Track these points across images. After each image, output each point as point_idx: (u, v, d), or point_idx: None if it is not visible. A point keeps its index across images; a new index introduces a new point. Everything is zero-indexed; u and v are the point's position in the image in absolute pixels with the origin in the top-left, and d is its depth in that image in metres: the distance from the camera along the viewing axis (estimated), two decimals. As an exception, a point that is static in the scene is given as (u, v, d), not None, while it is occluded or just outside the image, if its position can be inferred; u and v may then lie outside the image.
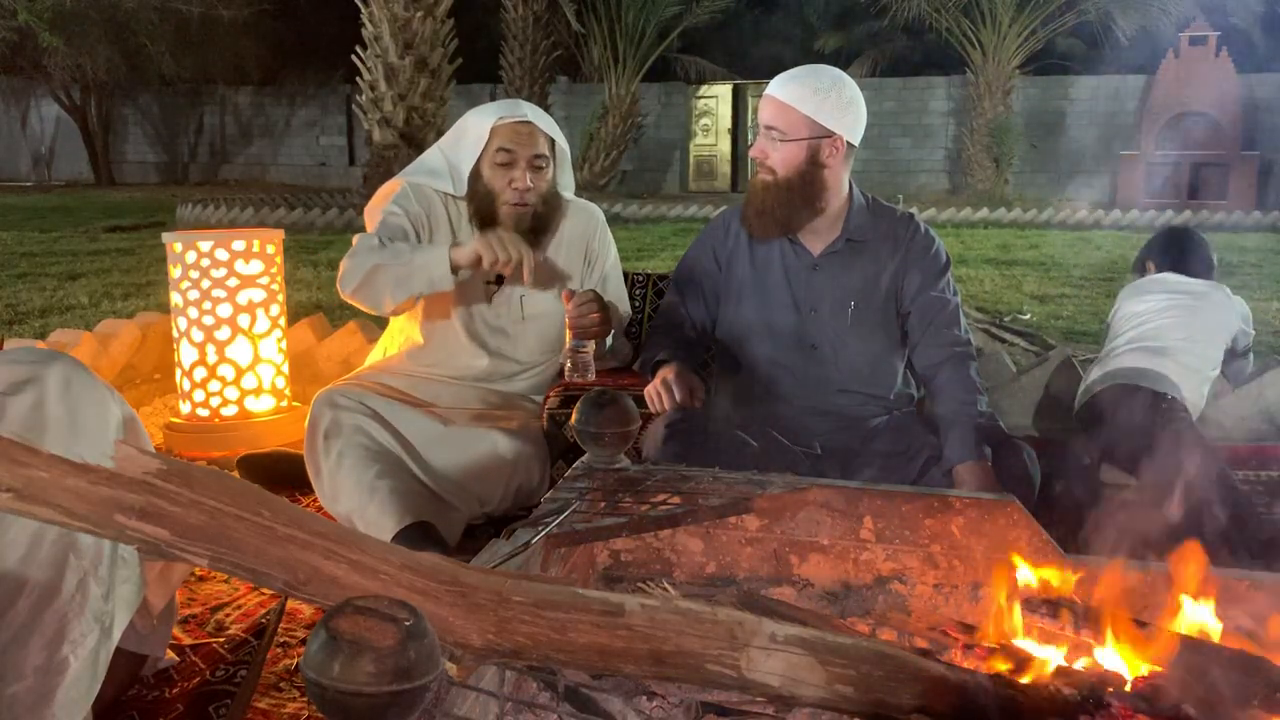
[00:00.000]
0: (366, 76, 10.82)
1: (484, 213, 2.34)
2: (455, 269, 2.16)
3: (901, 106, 15.79)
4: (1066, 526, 1.87)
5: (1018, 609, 1.30)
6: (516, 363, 2.47)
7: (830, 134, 2.08)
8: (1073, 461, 2.63)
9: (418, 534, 2.10)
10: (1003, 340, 4.40)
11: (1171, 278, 3.05)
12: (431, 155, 2.46)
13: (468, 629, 0.91)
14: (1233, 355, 3.05)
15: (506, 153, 2.29)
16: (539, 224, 2.36)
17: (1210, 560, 1.30)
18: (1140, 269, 3.23)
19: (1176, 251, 3.14)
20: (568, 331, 2.17)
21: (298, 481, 2.54)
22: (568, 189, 2.53)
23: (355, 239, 2.29)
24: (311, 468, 2.25)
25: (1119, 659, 1.19)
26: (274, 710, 1.60)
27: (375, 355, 2.60)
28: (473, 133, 2.35)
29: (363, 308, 2.32)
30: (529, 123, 2.31)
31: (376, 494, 2.13)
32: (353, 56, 10.98)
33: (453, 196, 2.40)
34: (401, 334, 2.50)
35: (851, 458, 2.14)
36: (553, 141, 2.37)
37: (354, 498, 2.15)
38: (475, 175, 2.34)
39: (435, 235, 2.38)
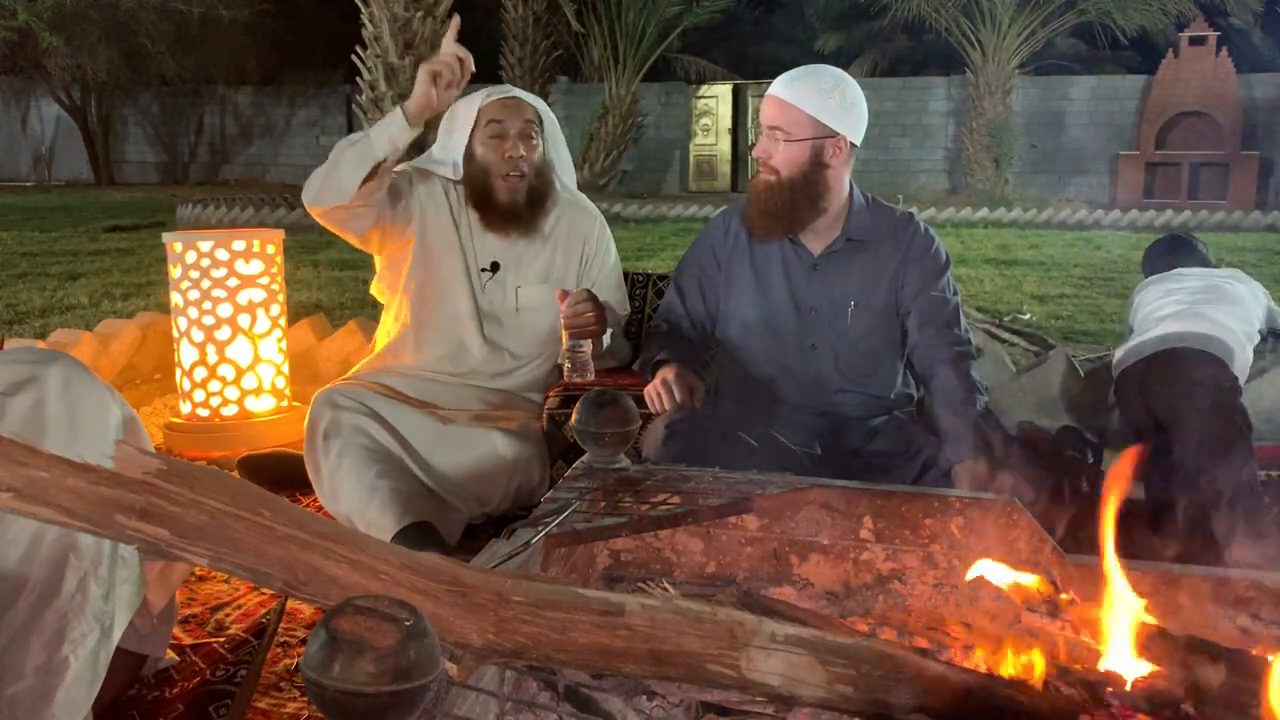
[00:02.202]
0: (366, 76, 10.82)
1: (480, 189, 2.38)
2: (413, 119, 2.16)
3: (901, 106, 15.78)
4: (1067, 526, 1.86)
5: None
6: (511, 355, 2.47)
7: (834, 134, 2.08)
8: (1072, 458, 2.61)
9: (417, 534, 2.10)
10: (1003, 340, 4.39)
11: (1187, 269, 3.08)
12: (430, 149, 2.52)
13: (468, 629, 0.91)
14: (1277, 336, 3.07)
15: (497, 124, 2.34)
16: (534, 196, 2.40)
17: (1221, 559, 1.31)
18: (1149, 273, 3.25)
19: (1182, 252, 3.22)
20: (564, 331, 2.18)
21: (298, 482, 2.53)
22: (567, 173, 2.55)
23: None
24: (311, 467, 2.26)
25: (1119, 659, 1.19)
26: (274, 710, 1.60)
27: (375, 346, 2.61)
28: (462, 115, 2.40)
29: (330, 217, 2.27)
30: (515, 97, 2.39)
31: (377, 494, 2.13)
32: (353, 56, 10.97)
33: (453, 181, 2.45)
34: (398, 320, 2.50)
35: (851, 458, 2.14)
36: (541, 118, 2.42)
37: (354, 497, 2.15)
38: (469, 157, 2.39)
39: (430, 212, 2.42)
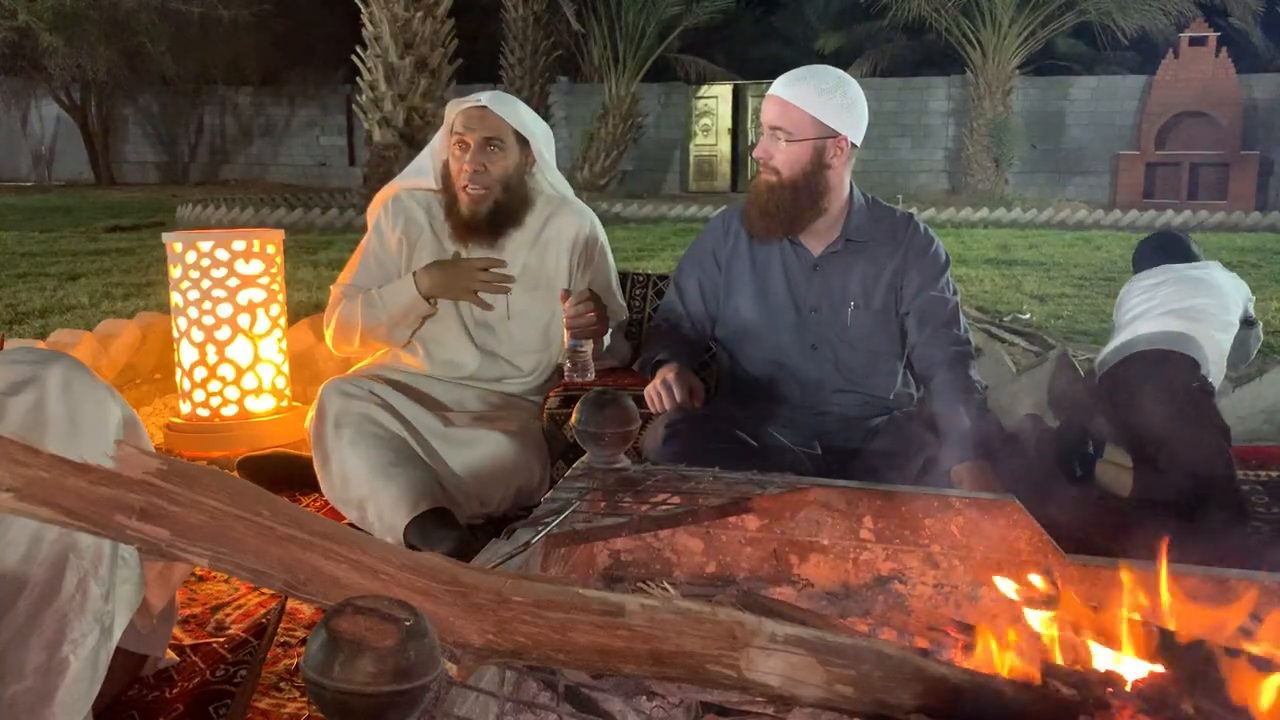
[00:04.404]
0: (366, 76, 10.82)
1: (449, 203, 2.39)
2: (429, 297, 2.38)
3: (901, 106, 15.78)
4: (1067, 525, 1.87)
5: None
6: (506, 362, 2.47)
7: (835, 134, 2.08)
8: (1073, 452, 2.62)
9: (435, 520, 2.10)
10: (1003, 340, 4.39)
11: (1170, 265, 3.10)
12: (423, 153, 2.53)
13: (468, 629, 0.91)
14: (1246, 325, 3.05)
15: (459, 135, 2.33)
16: (500, 211, 2.37)
17: (1211, 559, 1.31)
18: (1137, 270, 3.27)
19: (1166, 248, 3.22)
20: (565, 331, 2.18)
21: (298, 482, 2.54)
22: (557, 182, 2.54)
23: (333, 293, 2.49)
24: (319, 455, 2.25)
25: (1119, 659, 1.19)
26: (274, 710, 1.60)
27: (373, 355, 2.61)
28: (446, 125, 2.40)
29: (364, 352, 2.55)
30: (482, 107, 2.33)
31: (392, 481, 2.13)
32: (353, 56, 10.98)
33: (435, 192, 2.46)
34: None
35: (851, 458, 2.14)
36: (514, 129, 2.37)
37: (367, 483, 2.15)
38: (445, 166, 2.40)
39: (416, 248, 2.44)
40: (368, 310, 2.38)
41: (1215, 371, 2.77)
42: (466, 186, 2.33)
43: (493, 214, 2.37)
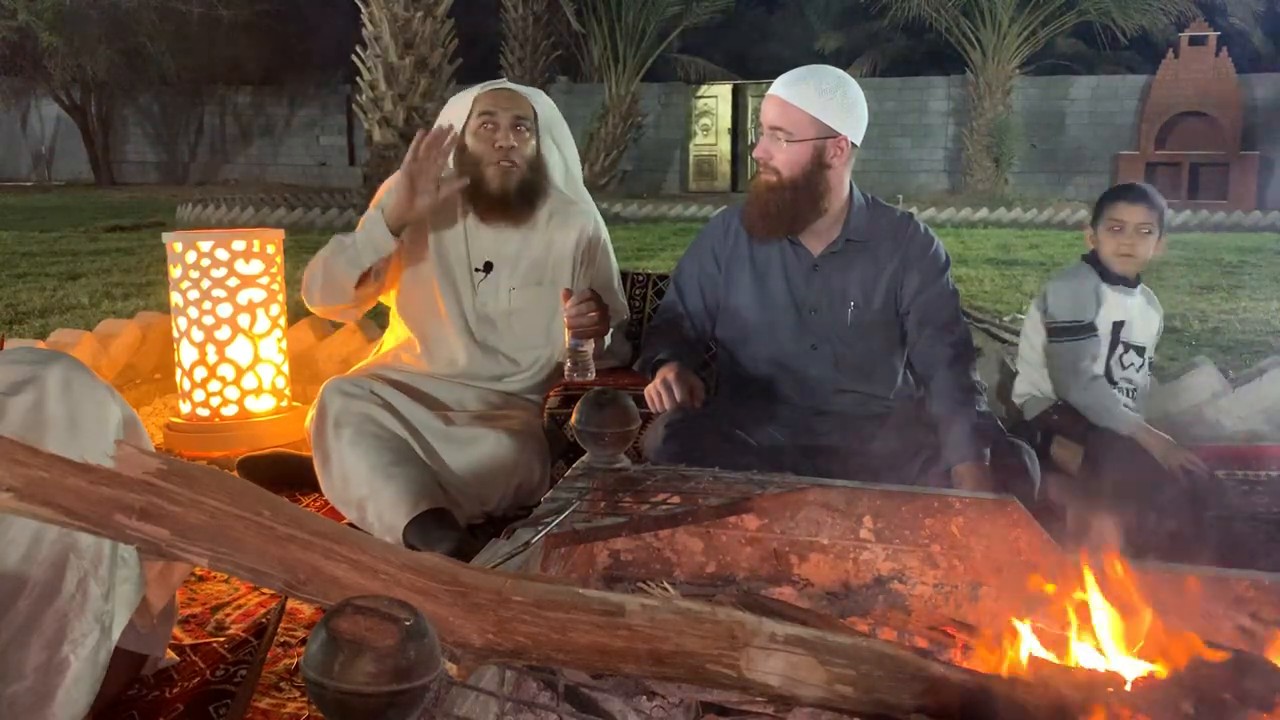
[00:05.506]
0: (366, 76, 10.83)
1: (475, 182, 2.37)
2: (396, 227, 2.25)
3: (901, 106, 15.79)
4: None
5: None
6: (506, 358, 2.47)
7: (835, 134, 2.08)
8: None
9: (434, 520, 2.10)
10: (1003, 340, 4.39)
11: None
12: None
13: (468, 629, 0.91)
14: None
15: (488, 115, 2.34)
16: (526, 189, 2.38)
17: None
18: None
19: None
20: (566, 330, 2.17)
21: (298, 482, 2.54)
22: (572, 162, 2.56)
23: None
24: (319, 455, 2.25)
25: (1119, 659, 1.19)
26: (274, 710, 1.60)
27: (380, 348, 2.61)
28: (456, 109, 2.40)
29: (332, 313, 2.48)
30: (509, 88, 2.37)
31: (393, 481, 2.13)
32: (353, 56, 10.99)
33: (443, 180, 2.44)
34: (398, 329, 2.52)
35: (851, 458, 2.14)
36: (536, 114, 2.40)
37: (367, 483, 2.15)
38: (461, 150, 2.38)
39: (414, 228, 2.40)
40: (335, 242, 2.33)
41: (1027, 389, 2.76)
42: (500, 161, 2.33)
43: (520, 189, 2.37)
